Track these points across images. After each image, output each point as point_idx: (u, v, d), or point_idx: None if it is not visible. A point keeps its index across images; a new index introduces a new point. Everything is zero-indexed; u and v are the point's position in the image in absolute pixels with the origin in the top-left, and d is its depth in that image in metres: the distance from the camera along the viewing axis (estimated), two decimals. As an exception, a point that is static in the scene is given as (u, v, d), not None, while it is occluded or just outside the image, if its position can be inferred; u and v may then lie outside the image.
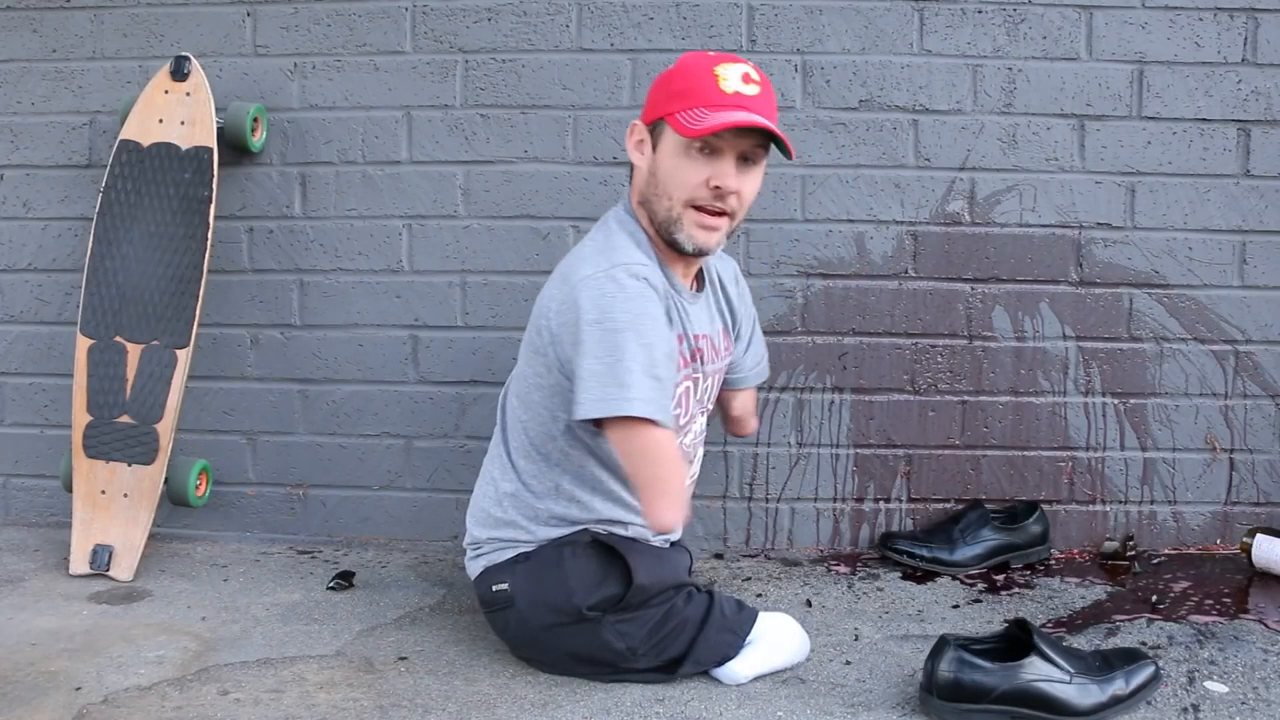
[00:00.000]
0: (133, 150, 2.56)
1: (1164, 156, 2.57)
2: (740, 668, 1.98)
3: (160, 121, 2.56)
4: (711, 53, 1.98)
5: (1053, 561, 2.59)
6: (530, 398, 1.98)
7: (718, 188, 1.87)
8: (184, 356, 2.52)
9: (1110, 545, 2.62)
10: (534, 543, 2.01)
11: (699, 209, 1.90)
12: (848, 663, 2.08)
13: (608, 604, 1.94)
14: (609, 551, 1.97)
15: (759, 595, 2.40)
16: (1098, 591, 2.41)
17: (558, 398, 1.90)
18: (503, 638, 2.09)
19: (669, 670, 1.98)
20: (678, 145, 1.87)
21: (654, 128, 1.92)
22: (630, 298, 1.81)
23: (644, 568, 1.96)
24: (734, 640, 1.98)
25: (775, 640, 2.02)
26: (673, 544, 2.17)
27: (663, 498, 1.78)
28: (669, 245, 1.96)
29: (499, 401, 2.15)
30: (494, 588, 2.03)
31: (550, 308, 1.92)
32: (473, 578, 2.10)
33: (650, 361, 1.78)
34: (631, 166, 2.00)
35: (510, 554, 2.02)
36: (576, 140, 2.62)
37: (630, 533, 2.02)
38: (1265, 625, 2.19)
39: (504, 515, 2.04)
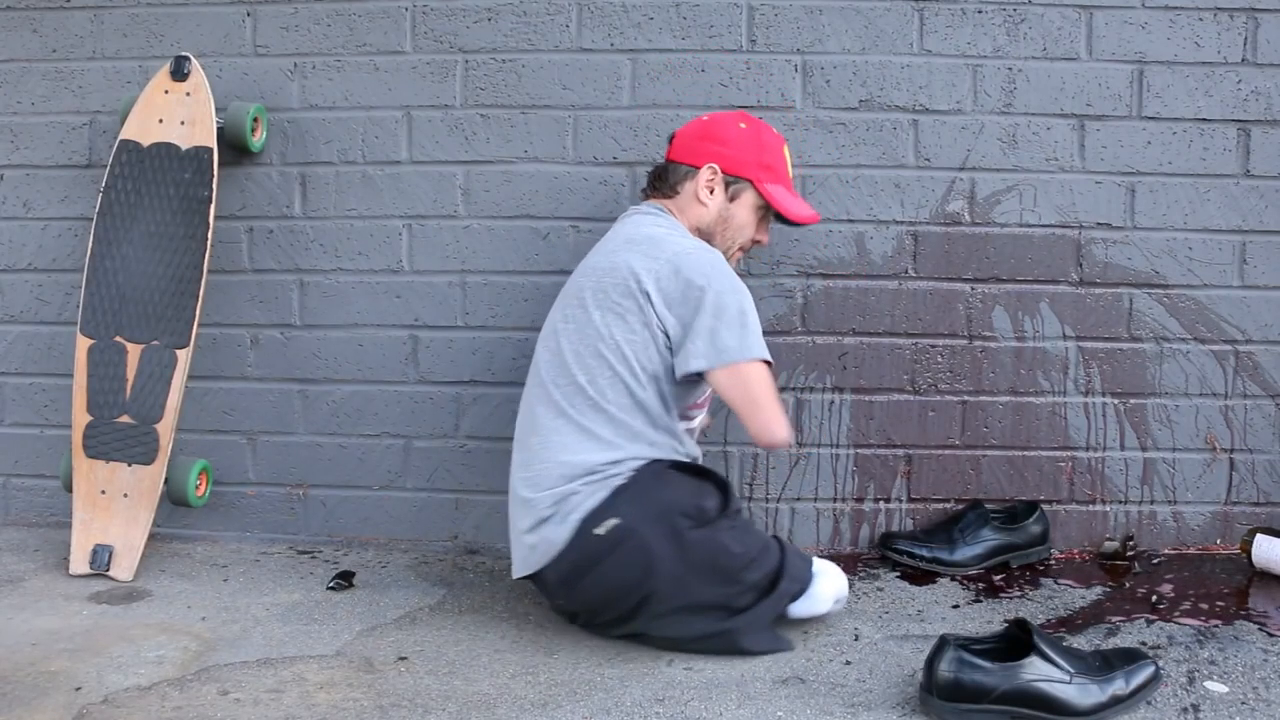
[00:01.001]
0: (133, 150, 2.56)
1: (1164, 156, 2.57)
2: (817, 604, 2.16)
3: (160, 121, 2.56)
4: (768, 125, 2.34)
5: (1053, 561, 2.59)
6: (608, 355, 2.12)
7: (758, 242, 2.37)
8: (184, 356, 2.52)
9: (1110, 545, 2.62)
10: (624, 475, 2.08)
11: (742, 249, 2.36)
12: (848, 663, 2.08)
13: (716, 510, 2.09)
14: (690, 471, 2.15)
15: (759, 595, 2.40)
16: (1098, 591, 2.41)
17: (649, 349, 2.12)
18: (601, 595, 2.09)
19: (767, 591, 2.09)
20: (755, 208, 2.30)
21: (735, 181, 2.27)
22: (729, 270, 2.17)
23: (722, 480, 2.17)
24: (805, 566, 2.16)
25: (830, 575, 2.20)
26: None
27: (780, 417, 2.14)
28: None
29: (542, 374, 2.18)
30: (598, 531, 2.04)
31: (639, 273, 2.13)
32: (563, 544, 2.08)
33: (756, 317, 2.15)
34: (663, 176, 2.30)
35: (604, 493, 2.06)
36: (576, 140, 2.62)
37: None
38: (1266, 632, 2.18)
39: (587, 461, 2.08)
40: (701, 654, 2.10)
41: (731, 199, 2.28)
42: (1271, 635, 2.17)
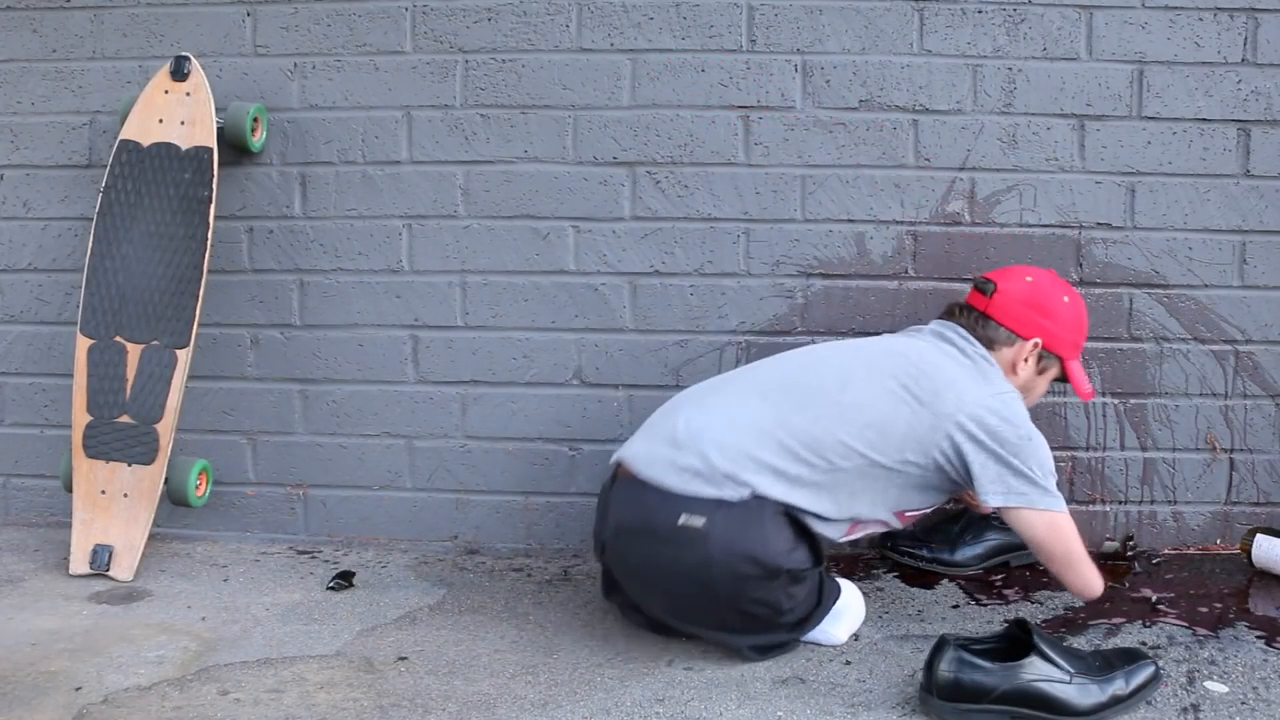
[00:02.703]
0: (133, 150, 2.56)
1: (1164, 156, 2.57)
2: (839, 632, 2.17)
3: (160, 121, 2.56)
4: (1081, 298, 2.33)
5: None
6: (886, 421, 2.08)
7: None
8: (184, 356, 2.52)
9: (1110, 545, 2.62)
10: (737, 499, 2.03)
11: None
12: (848, 663, 2.08)
13: (794, 573, 2.05)
14: (795, 524, 2.07)
15: (759, 595, 2.40)
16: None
17: (920, 452, 2.10)
18: (635, 570, 2.09)
19: (796, 625, 2.10)
20: (1052, 379, 2.32)
21: (1048, 356, 2.27)
22: (1019, 414, 2.14)
23: (820, 548, 2.12)
24: (832, 598, 2.17)
25: (852, 600, 2.22)
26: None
27: (1089, 568, 2.13)
28: None
29: (789, 377, 2.17)
30: (683, 519, 2.01)
31: (964, 396, 2.10)
32: (659, 495, 2.05)
33: (1050, 464, 2.15)
34: (979, 325, 2.25)
35: (710, 495, 2.02)
36: (576, 140, 2.62)
37: (820, 531, 2.12)
38: (1268, 644, 2.17)
39: (731, 467, 2.04)
40: (696, 642, 2.13)
41: (1040, 371, 2.27)
42: (1270, 646, 2.17)
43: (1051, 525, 2.08)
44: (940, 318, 2.30)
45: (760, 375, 2.21)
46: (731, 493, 2.02)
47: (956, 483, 2.14)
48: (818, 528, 2.09)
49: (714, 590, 2.01)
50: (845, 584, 2.24)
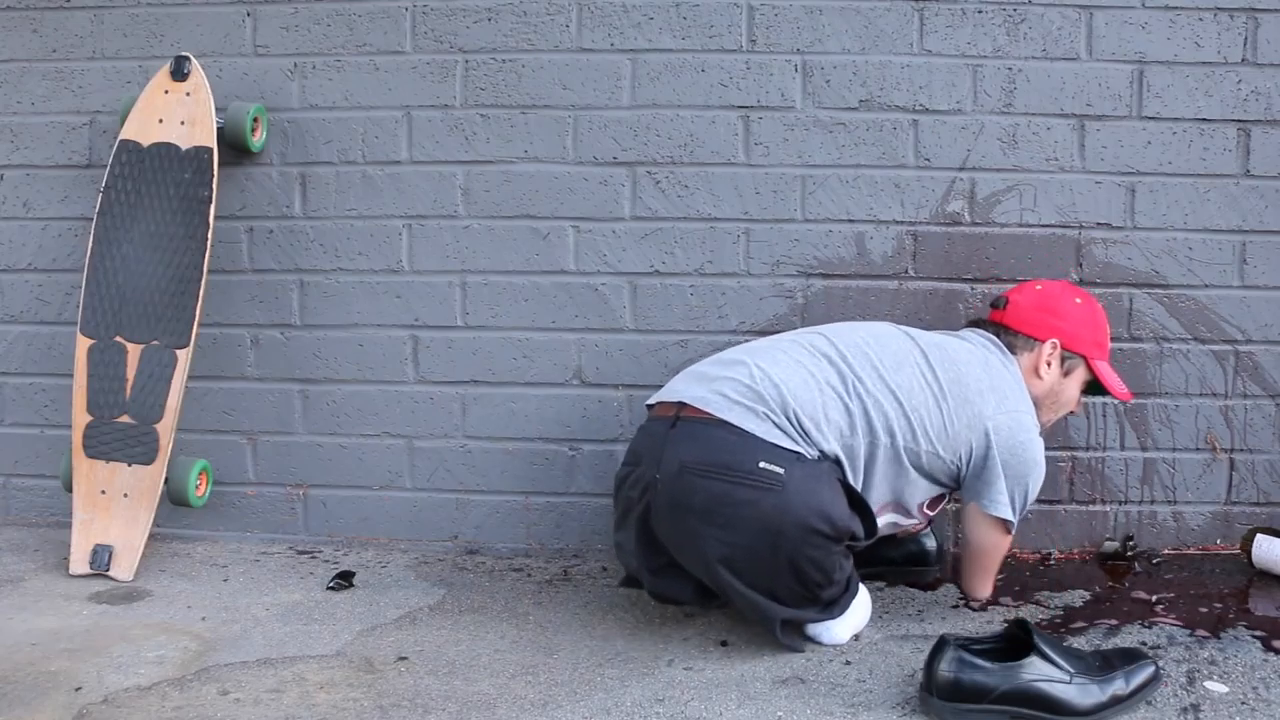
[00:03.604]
0: (133, 150, 2.56)
1: (1164, 156, 2.57)
2: (840, 632, 2.17)
3: (160, 121, 2.56)
4: (1096, 300, 2.39)
5: (1053, 561, 2.59)
6: (924, 409, 2.14)
7: (1072, 413, 2.40)
8: (184, 356, 2.52)
9: (1110, 545, 2.62)
10: (812, 456, 2.07)
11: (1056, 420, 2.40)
12: (848, 663, 2.08)
13: (852, 535, 2.08)
14: (854, 495, 2.11)
15: (759, 595, 2.40)
16: (1098, 591, 2.41)
17: (950, 445, 2.16)
18: (718, 506, 2.03)
19: (829, 607, 2.12)
20: (1082, 382, 2.35)
21: (1070, 357, 2.32)
22: (1039, 445, 2.22)
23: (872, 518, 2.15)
24: (851, 598, 2.17)
25: (861, 599, 2.21)
26: None
27: (990, 579, 2.35)
28: None
29: (864, 346, 2.19)
30: (763, 463, 2.02)
31: (1001, 403, 2.19)
32: (732, 436, 2.06)
33: (1035, 496, 2.24)
34: (999, 335, 2.31)
35: (788, 446, 2.05)
36: (576, 140, 2.62)
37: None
38: (1268, 647, 2.17)
39: (819, 423, 2.09)
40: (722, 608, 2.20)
41: (1065, 374, 2.31)
42: (1269, 649, 2.17)
43: (1001, 542, 2.26)
44: (968, 327, 2.39)
45: (828, 340, 2.22)
46: (807, 449, 2.07)
47: (957, 481, 2.20)
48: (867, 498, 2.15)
49: (780, 540, 2.00)
50: (860, 586, 2.23)
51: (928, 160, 2.59)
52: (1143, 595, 2.39)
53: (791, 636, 2.12)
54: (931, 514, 2.28)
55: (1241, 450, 2.63)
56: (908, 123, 2.59)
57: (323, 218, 2.68)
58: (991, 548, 2.27)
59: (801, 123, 2.59)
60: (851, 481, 2.12)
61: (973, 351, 2.25)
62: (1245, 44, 2.54)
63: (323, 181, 2.68)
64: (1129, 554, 2.60)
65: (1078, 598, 2.38)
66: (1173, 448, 2.63)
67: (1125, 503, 2.65)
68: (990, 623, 2.26)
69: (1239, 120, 2.56)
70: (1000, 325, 2.33)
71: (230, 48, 2.67)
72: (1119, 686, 1.86)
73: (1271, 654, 2.09)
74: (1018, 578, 2.49)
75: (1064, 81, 2.56)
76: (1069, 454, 2.63)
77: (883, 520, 2.21)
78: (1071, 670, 1.84)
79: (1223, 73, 2.55)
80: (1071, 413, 2.39)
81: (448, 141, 2.64)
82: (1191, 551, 2.64)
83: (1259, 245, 2.58)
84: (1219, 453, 2.63)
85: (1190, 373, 2.61)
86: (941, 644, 1.86)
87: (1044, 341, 2.29)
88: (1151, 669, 1.89)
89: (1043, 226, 2.59)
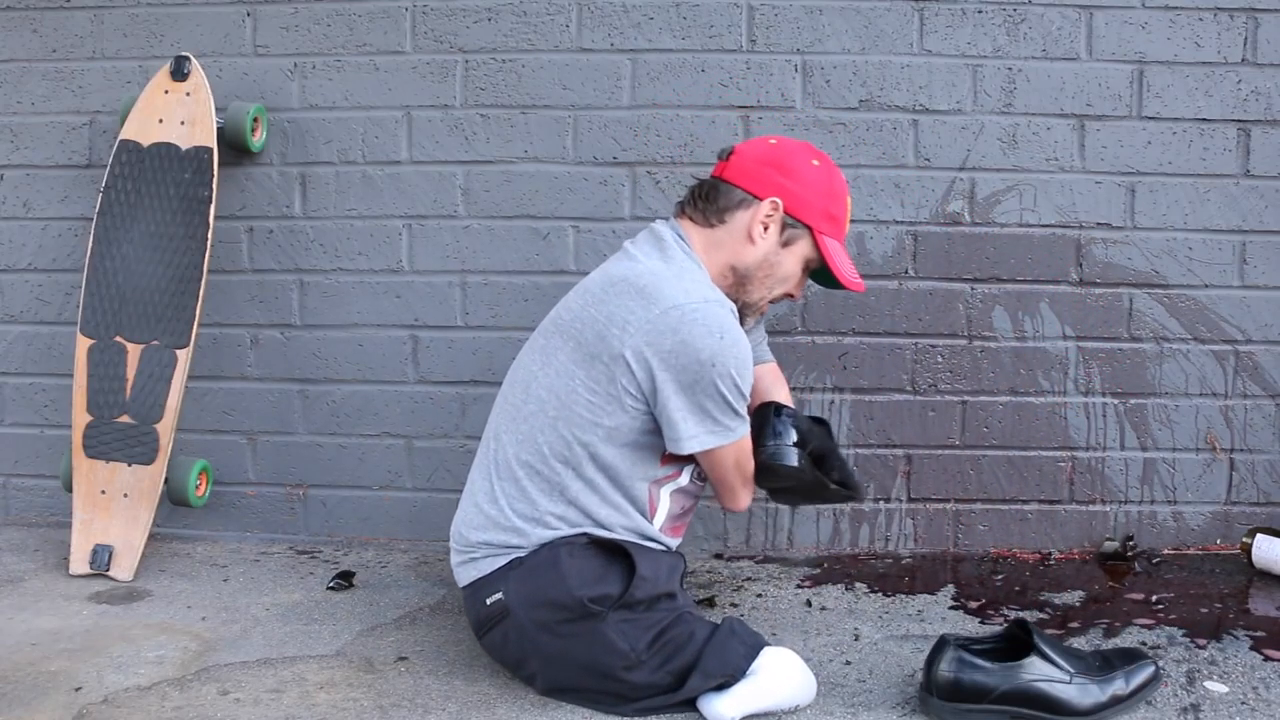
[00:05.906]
0: (133, 150, 2.56)
1: (1164, 156, 2.57)
2: (726, 707, 1.84)
3: (160, 121, 2.56)
4: (838, 169, 2.05)
5: (1053, 561, 2.60)
6: (567, 399, 1.91)
7: (790, 296, 2.07)
8: (184, 356, 2.52)
9: (1110, 545, 2.62)
10: (528, 547, 1.90)
11: (771, 301, 2.07)
12: (848, 663, 2.08)
13: (609, 601, 1.86)
14: (608, 550, 1.91)
15: (759, 595, 2.40)
16: (1098, 591, 2.41)
17: (610, 404, 1.89)
18: (501, 659, 1.98)
19: (672, 688, 1.86)
20: (804, 259, 2.02)
21: (794, 225, 1.99)
22: (734, 336, 1.88)
23: (645, 562, 1.90)
24: (746, 652, 1.87)
25: (778, 675, 1.88)
26: (667, 550, 2.05)
27: (747, 488, 2.01)
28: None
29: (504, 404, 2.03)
30: (488, 600, 1.92)
31: (628, 324, 1.87)
32: (462, 584, 1.99)
33: (745, 392, 1.91)
34: (711, 197, 1.99)
35: (504, 560, 1.91)
36: (576, 140, 2.62)
37: (624, 536, 1.94)
38: (1263, 655, 2.15)
39: (500, 516, 1.93)
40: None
41: (784, 244, 1.99)
42: (1266, 656, 2.17)
43: (728, 455, 1.93)
44: (679, 202, 2.08)
45: (497, 413, 2.04)
46: (523, 540, 1.91)
47: (657, 428, 1.92)
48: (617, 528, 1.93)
49: (544, 655, 1.90)
50: (782, 653, 1.91)
51: (928, 160, 2.59)
52: (1143, 595, 2.39)
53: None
54: (684, 466, 2.00)
55: (1241, 450, 2.63)
56: (908, 123, 2.59)
57: (323, 218, 2.68)
58: (732, 467, 1.95)
59: (801, 123, 2.59)
60: (587, 531, 1.91)
61: (590, 291, 1.95)
62: (1245, 44, 2.54)
63: (323, 181, 2.68)
64: (1129, 554, 2.60)
65: (1078, 598, 2.38)
66: (1173, 448, 2.63)
67: (1125, 503, 2.65)
68: (990, 623, 2.26)
69: (1239, 120, 2.56)
70: (716, 180, 2.01)
71: (230, 48, 2.67)
72: (1119, 686, 1.86)
73: (1271, 655, 2.09)
74: (1018, 578, 2.49)
75: (1064, 81, 2.56)
76: (1069, 454, 2.63)
77: (661, 516, 1.99)
78: (1071, 670, 1.84)
79: (1223, 73, 2.55)
80: (790, 296, 2.06)
81: (448, 141, 2.65)
82: (1191, 551, 2.64)
83: (1259, 245, 2.58)
84: (1219, 453, 2.63)
85: (1190, 373, 2.61)
86: (941, 644, 1.86)
87: (763, 200, 1.96)
88: (1151, 669, 1.89)
89: (1043, 226, 2.59)
